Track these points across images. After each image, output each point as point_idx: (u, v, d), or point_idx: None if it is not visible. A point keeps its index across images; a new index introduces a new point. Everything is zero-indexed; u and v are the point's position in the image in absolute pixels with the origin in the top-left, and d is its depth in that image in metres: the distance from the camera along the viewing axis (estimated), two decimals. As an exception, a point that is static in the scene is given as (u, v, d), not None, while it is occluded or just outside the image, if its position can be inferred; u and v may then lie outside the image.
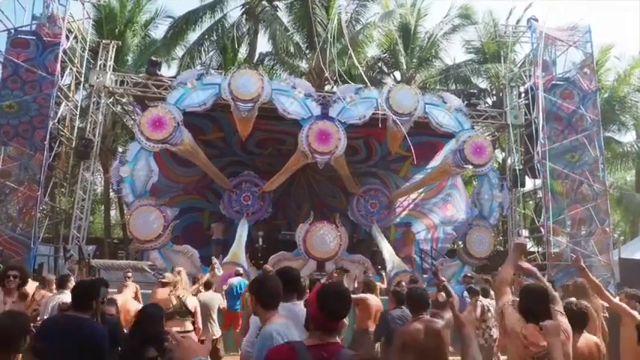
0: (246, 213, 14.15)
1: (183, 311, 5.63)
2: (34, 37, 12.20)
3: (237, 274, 8.60)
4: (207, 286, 6.90)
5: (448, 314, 3.94)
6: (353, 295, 5.56)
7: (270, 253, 11.82)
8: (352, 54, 11.24)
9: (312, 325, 2.23)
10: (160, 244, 11.01)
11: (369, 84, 11.87)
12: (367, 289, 6.50)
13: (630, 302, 4.51)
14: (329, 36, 10.99)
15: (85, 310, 3.31)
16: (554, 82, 14.06)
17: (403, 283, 7.87)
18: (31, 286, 6.27)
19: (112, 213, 23.90)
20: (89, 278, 8.27)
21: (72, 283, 5.42)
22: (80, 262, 10.77)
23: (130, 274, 8.10)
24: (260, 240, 13.24)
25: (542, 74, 13.96)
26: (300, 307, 3.30)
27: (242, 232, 12.51)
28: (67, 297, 4.95)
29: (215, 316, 6.80)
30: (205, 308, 6.41)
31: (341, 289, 2.36)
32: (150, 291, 6.55)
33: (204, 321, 6.21)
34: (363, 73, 11.14)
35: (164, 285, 5.97)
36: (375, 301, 6.22)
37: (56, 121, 12.48)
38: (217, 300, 6.91)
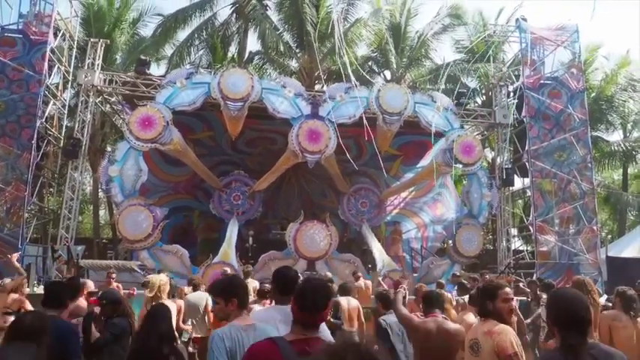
0: (236, 212, 14.09)
1: None
2: (20, 36, 12.03)
3: (224, 275, 8.57)
4: (195, 287, 6.87)
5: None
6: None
7: (261, 253, 11.83)
8: (345, 53, 11.20)
9: (293, 319, 2.27)
10: (149, 244, 10.97)
11: (356, 84, 11.86)
12: (342, 293, 6.52)
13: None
14: (334, 35, 11.00)
15: (56, 308, 3.33)
16: (542, 81, 14.17)
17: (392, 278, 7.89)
18: None
19: (101, 213, 23.73)
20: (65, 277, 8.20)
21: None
22: (69, 263, 10.67)
23: (113, 275, 8.01)
24: (250, 239, 13.21)
25: (531, 73, 14.07)
26: None
27: (232, 231, 12.49)
28: None
29: (203, 316, 6.77)
30: (192, 308, 6.44)
31: (319, 283, 2.39)
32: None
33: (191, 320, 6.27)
34: (348, 74, 11.02)
35: (144, 286, 5.98)
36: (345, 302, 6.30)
37: (44, 120, 12.35)
38: (204, 300, 6.87)
